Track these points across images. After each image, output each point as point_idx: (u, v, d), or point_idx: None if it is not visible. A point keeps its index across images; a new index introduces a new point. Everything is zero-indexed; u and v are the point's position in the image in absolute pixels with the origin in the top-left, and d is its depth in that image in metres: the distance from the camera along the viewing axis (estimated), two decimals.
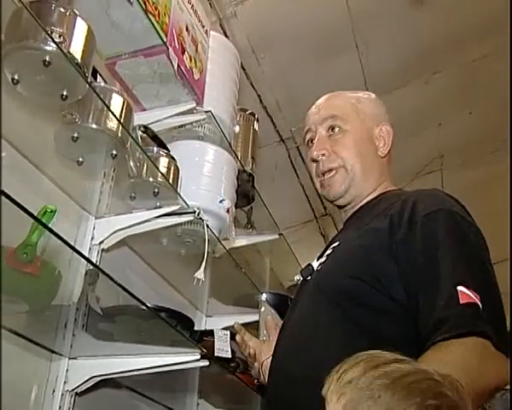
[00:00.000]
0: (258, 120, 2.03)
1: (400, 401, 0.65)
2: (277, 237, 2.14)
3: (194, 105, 1.60)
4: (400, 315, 0.95)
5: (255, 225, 2.34)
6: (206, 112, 1.62)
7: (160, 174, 1.45)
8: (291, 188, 3.30)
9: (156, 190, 1.46)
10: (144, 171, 1.46)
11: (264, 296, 1.88)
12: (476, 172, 3.45)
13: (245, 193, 1.93)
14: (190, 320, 1.51)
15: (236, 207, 1.88)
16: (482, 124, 3.21)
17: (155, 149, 1.50)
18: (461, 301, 0.87)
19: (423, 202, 1.06)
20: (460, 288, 0.89)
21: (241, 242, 1.98)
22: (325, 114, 1.26)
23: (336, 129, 1.24)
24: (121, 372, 1.39)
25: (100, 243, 1.53)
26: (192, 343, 1.31)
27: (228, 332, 1.59)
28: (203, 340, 1.52)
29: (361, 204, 1.25)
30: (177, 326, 1.27)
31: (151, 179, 1.45)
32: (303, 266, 1.24)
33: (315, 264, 1.20)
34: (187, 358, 1.33)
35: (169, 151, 1.55)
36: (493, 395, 0.87)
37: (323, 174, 1.24)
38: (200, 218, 1.50)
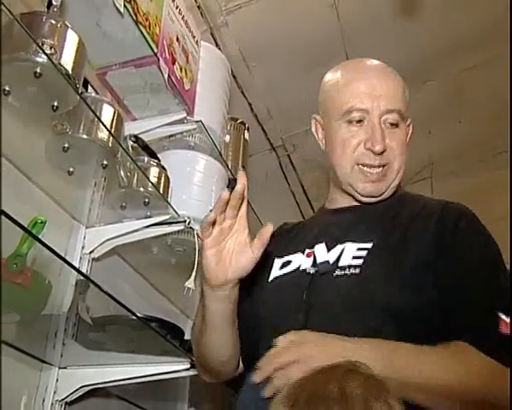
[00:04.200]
0: (248, 129, 2.04)
1: None
2: None
3: (185, 115, 1.61)
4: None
5: None
6: (197, 122, 1.63)
7: (150, 184, 1.46)
8: (282, 196, 3.31)
9: (146, 200, 1.47)
10: (135, 180, 1.47)
11: None
12: (466, 180, 3.48)
13: None
14: (180, 330, 1.51)
15: None
16: (472, 133, 3.24)
17: (146, 158, 1.51)
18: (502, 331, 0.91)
19: (466, 212, 1.09)
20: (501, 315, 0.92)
21: None
22: (391, 107, 1.10)
23: (396, 126, 1.12)
24: (111, 382, 1.40)
25: (90, 253, 1.53)
26: (182, 352, 1.31)
27: None
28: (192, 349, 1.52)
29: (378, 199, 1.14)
30: (167, 336, 1.27)
31: (141, 189, 1.46)
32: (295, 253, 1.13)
33: (320, 251, 1.09)
34: (177, 367, 1.33)
35: (159, 161, 1.56)
36: None
37: (372, 167, 1.10)
38: (191, 227, 1.51)
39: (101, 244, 1.53)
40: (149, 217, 1.51)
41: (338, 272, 1.03)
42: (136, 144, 1.53)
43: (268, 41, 2.51)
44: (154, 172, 1.49)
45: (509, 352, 0.87)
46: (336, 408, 0.67)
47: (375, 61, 1.18)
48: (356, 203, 1.15)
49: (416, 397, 0.85)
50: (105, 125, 1.27)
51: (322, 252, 1.08)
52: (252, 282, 1.10)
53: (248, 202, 2.15)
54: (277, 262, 1.14)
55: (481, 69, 2.90)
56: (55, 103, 1.14)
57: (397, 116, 1.10)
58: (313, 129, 1.24)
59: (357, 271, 1.01)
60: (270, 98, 2.83)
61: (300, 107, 3.02)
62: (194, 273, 1.49)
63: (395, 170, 1.12)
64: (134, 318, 1.22)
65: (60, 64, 1.07)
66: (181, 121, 1.63)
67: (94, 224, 1.56)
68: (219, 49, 2.02)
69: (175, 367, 1.33)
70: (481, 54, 2.82)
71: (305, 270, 1.07)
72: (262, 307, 1.11)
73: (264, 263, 1.08)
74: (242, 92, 2.68)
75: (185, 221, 1.51)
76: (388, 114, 1.10)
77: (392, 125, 1.10)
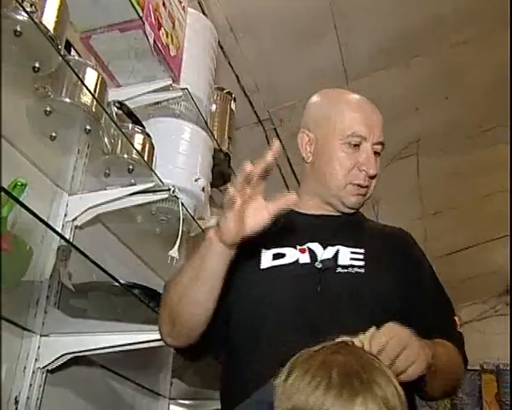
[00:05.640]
0: (235, 100, 2.02)
1: None
2: None
3: (171, 82, 1.59)
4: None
5: None
6: (183, 89, 1.61)
7: (134, 151, 1.43)
8: None
9: (131, 167, 1.45)
10: (119, 147, 1.44)
11: None
12: (452, 157, 3.49)
13: (221, 172, 1.93)
14: None
15: (212, 186, 1.87)
16: (460, 110, 3.24)
17: (130, 125, 1.48)
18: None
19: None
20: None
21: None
22: (381, 140, 1.29)
23: (378, 155, 1.31)
24: (93, 350, 1.39)
25: (73, 220, 1.51)
26: None
27: None
28: None
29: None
30: (150, 303, 1.26)
31: (126, 156, 1.44)
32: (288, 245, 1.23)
33: (317, 249, 1.23)
34: (159, 335, 1.32)
35: (144, 128, 1.53)
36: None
37: (361, 186, 1.28)
38: (175, 196, 1.49)
39: (84, 212, 1.51)
40: (133, 185, 1.49)
41: (340, 270, 1.20)
42: (120, 111, 1.50)
43: (256, 12, 2.47)
44: (138, 140, 1.47)
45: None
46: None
47: (366, 99, 1.35)
48: (330, 213, 1.32)
49: (436, 371, 1.08)
50: (88, 89, 1.24)
51: (318, 250, 1.22)
52: (238, 269, 1.18)
53: (234, 173, 2.14)
54: (266, 253, 1.24)
55: (471, 46, 2.89)
56: (37, 65, 1.12)
57: (381, 148, 1.30)
58: (300, 141, 1.36)
59: (362, 270, 1.20)
60: (257, 70, 2.80)
61: (288, 80, 3.00)
62: (178, 242, 1.48)
63: (370, 191, 1.31)
64: (116, 284, 1.20)
65: (41, 23, 1.04)
66: (166, 89, 1.61)
67: (77, 191, 1.54)
68: (207, 17, 1.99)
69: (158, 336, 1.31)
70: (471, 31, 2.81)
71: (308, 263, 1.20)
72: (264, 292, 1.20)
73: (250, 252, 1.19)
74: (229, 63, 2.65)
75: (169, 189, 1.49)
76: (378, 145, 1.28)
77: (376, 153, 1.28)
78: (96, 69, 1.34)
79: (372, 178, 1.27)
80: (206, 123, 1.70)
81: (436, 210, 3.85)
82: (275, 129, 3.08)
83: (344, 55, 2.78)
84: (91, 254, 1.29)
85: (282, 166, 3.29)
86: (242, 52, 2.63)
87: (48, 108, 1.24)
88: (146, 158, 1.47)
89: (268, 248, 1.24)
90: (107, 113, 1.31)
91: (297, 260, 1.21)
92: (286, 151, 3.26)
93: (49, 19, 1.07)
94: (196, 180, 1.59)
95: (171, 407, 2.12)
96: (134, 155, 1.44)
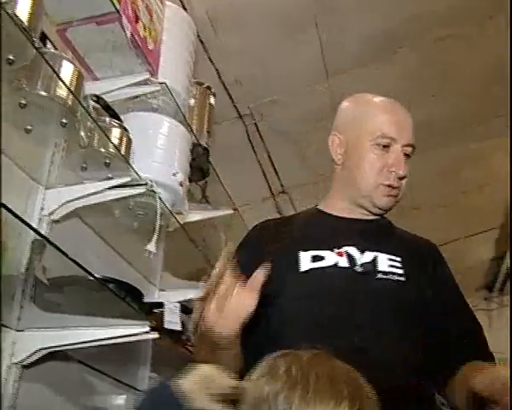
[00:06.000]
0: (214, 94, 2.02)
1: None
2: (232, 212, 2.15)
3: (148, 76, 1.58)
4: None
5: (211, 201, 2.34)
6: (161, 83, 1.60)
7: (111, 145, 1.43)
8: (249, 165, 3.30)
9: (107, 161, 1.44)
10: (96, 141, 1.43)
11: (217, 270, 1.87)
12: (433, 153, 3.52)
13: (200, 167, 1.93)
14: (139, 292, 1.50)
15: (191, 181, 1.87)
16: (445, 107, 3.26)
17: (107, 119, 1.47)
18: None
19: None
20: None
21: (196, 216, 1.97)
22: (411, 141, 1.30)
23: (408, 157, 1.32)
24: (69, 345, 1.38)
25: (50, 214, 1.50)
26: (141, 315, 1.30)
27: (178, 304, 1.58)
28: (153, 312, 1.52)
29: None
30: (125, 298, 1.26)
31: (102, 150, 1.43)
32: (332, 250, 1.25)
33: (354, 254, 1.25)
34: (136, 330, 1.32)
35: (122, 122, 1.53)
36: None
37: (392, 187, 1.29)
38: (153, 190, 1.49)
39: (60, 206, 1.49)
40: (110, 179, 1.48)
41: (380, 276, 1.23)
42: (97, 105, 1.49)
43: (238, 5, 2.47)
44: (115, 133, 1.46)
45: None
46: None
47: (397, 102, 1.37)
48: (363, 217, 1.33)
49: None
50: (64, 82, 1.23)
51: (356, 254, 1.24)
52: (276, 270, 1.16)
53: (214, 170, 2.13)
54: (304, 255, 1.24)
55: (454, 43, 2.91)
56: (11, 57, 1.10)
57: (411, 150, 1.31)
58: (331, 144, 1.38)
59: (403, 279, 1.23)
60: (238, 65, 2.79)
61: (269, 75, 3.00)
62: (155, 237, 1.48)
63: (400, 194, 1.31)
64: (92, 278, 1.20)
65: (15, 14, 1.03)
66: (144, 83, 1.60)
67: (54, 185, 1.52)
68: (186, 11, 1.98)
69: (134, 330, 1.31)
70: (455, 26, 2.82)
71: (348, 267, 1.22)
72: (305, 295, 1.21)
73: (287, 253, 1.23)
74: (210, 58, 2.64)
75: (147, 184, 1.49)
76: (408, 147, 1.29)
77: (406, 155, 1.29)
78: (72, 62, 1.33)
79: (401, 179, 1.28)
80: (184, 117, 1.70)
81: (414, 206, 3.89)
82: (255, 124, 3.08)
83: (325, 51, 2.79)
84: (69, 248, 1.28)
85: (262, 163, 3.29)
86: (223, 46, 2.62)
87: (23, 101, 1.23)
88: (123, 152, 1.46)
89: (305, 250, 1.24)
90: (83, 106, 1.31)
91: (336, 264, 1.22)
92: (266, 147, 3.27)
93: (23, 10, 1.06)
94: (174, 175, 1.59)
95: None
96: (111, 149, 1.43)
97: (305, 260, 1.23)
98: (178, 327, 1.54)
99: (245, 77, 2.84)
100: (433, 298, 1.27)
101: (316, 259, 1.23)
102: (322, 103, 3.07)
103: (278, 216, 3.78)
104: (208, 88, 1.97)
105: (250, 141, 3.15)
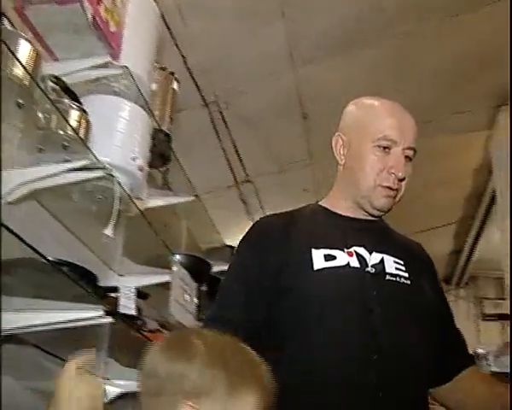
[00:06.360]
0: (177, 80, 2.01)
1: None
2: (193, 198, 2.14)
3: (110, 59, 1.57)
4: None
5: (175, 188, 2.33)
6: (122, 67, 1.59)
7: (69, 127, 1.41)
8: (213, 152, 3.30)
9: (65, 144, 1.42)
10: (53, 123, 1.41)
11: (176, 257, 1.88)
12: None
13: (161, 153, 1.92)
14: (94, 275, 1.49)
15: (152, 166, 1.86)
16: (406, 102, 3.30)
17: (66, 101, 1.45)
18: None
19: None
20: None
21: (157, 202, 1.96)
22: (412, 144, 1.33)
23: (409, 160, 1.34)
24: (22, 328, 1.36)
25: (5, 196, 1.47)
26: (95, 299, 1.29)
27: (134, 289, 1.58)
28: (108, 297, 1.51)
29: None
30: (79, 281, 1.25)
31: (60, 132, 1.41)
32: (342, 249, 1.28)
33: (364, 254, 1.28)
34: (90, 314, 1.31)
35: (81, 104, 1.51)
36: None
37: (391, 189, 1.31)
38: (111, 174, 1.48)
39: (16, 188, 1.47)
40: (68, 162, 1.47)
41: (389, 277, 1.27)
42: (56, 86, 1.47)
43: None
44: (74, 116, 1.45)
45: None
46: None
47: (400, 105, 1.41)
48: (366, 217, 1.36)
49: None
50: (20, 61, 1.21)
51: (366, 255, 1.28)
52: (290, 265, 1.24)
53: (175, 156, 2.12)
54: (317, 253, 1.26)
55: (415, 37, 2.95)
56: None
57: (412, 153, 1.33)
58: (334, 144, 1.41)
59: (408, 282, 1.28)
60: (204, 52, 2.79)
61: (236, 63, 3.00)
62: (112, 221, 1.47)
63: (399, 196, 1.34)
64: (45, 261, 1.18)
65: None
66: (105, 65, 1.58)
67: (9, 166, 1.50)
68: None
69: (87, 314, 1.30)
70: (418, 21, 2.86)
71: (359, 268, 1.25)
72: (320, 294, 1.23)
73: (300, 249, 1.26)
74: (176, 45, 2.62)
75: (105, 167, 1.48)
76: (409, 150, 1.32)
77: (407, 158, 1.32)
78: (30, 41, 1.31)
79: (401, 181, 1.31)
80: (146, 102, 1.69)
81: None
82: (221, 112, 3.08)
83: (291, 41, 2.80)
84: (25, 230, 1.26)
85: (227, 150, 3.29)
86: (190, 33, 2.61)
87: None
88: (82, 135, 1.45)
89: (317, 248, 1.27)
90: (39, 87, 1.29)
91: (348, 264, 1.25)
92: (231, 135, 3.27)
93: None
94: (134, 159, 1.58)
95: (106, 387, 2.10)
96: (69, 132, 1.41)
97: (319, 259, 1.25)
98: (133, 312, 1.54)
99: (211, 64, 2.83)
100: (433, 303, 1.34)
101: (328, 258, 1.26)
102: (288, 93, 3.09)
103: (242, 205, 3.80)
104: (171, 74, 1.96)
105: (215, 128, 3.16)
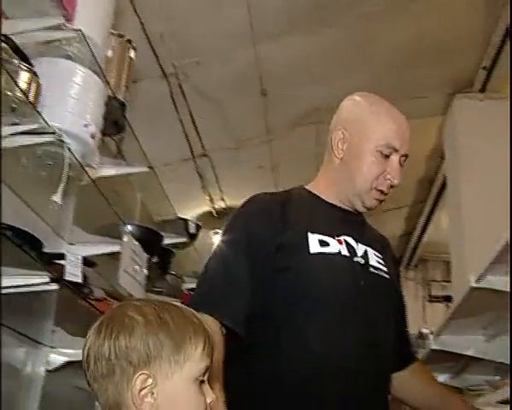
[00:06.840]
0: (135, 48, 1.97)
1: None
2: (147, 169, 2.12)
3: (63, 21, 1.52)
4: None
5: (130, 158, 2.30)
6: (76, 30, 1.55)
7: (18, 89, 1.37)
8: (171, 125, 3.27)
9: (14, 106, 1.38)
10: (2, 84, 1.37)
11: (128, 228, 1.87)
12: None
13: (115, 121, 1.89)
14: (38, 241, 1.46)
15: (105, 134, 1.83)
16: (364, 82, 3.34)
17: (16, 61, 1.41)
18: None
19: None
20: None
21: (109, 171, 1.94)
22: (407, 152, 1.37)
23: (401, 166, 1.37)
24: None
25: None
26: (39, 265, 1.27)
27: (80, 256, 1.56)
28: (54, 263, 1.49)
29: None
30: (22, 246, 1.23)
31: (9, 93, 1.37)
32: (333, 236, 1.31)
33: (353, 244, 1.32)
34: (35, 280, 1.30)
35: (32, 66, 1.46)
36: None
37: (383, 193, 1.36)
38: (61, 140, 1.45)
39: None
40: (17, 125, 1.43)
41: (372, 269, 1.32)
42: (6, 45, 1.42)
43: None
44: (23, 77, 1.40)
45: None
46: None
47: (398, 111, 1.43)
48: (352, 209, 1.39)
49: None
50: None
51: (354, 244, 1.33)
52: (287, 245, 1.26)
53: (129, 125, 2.09)
54: (313, 237, 1.28)
55: (378, 18, 2.97)
56: None
57: (405, 159, 1.38)
58: (334, 137, 1.40)
59: (387, 276, 1.35)
60: (164, 21, 2.75)
61: (196, 35, 2.96)
62: (61, 187, 1.45)
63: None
64: None
65: None
66: (58, 27, 1.54)
67: None
68: None
69: (32, 281, 1.28)
70: (378, 2, 2.88)
71: (348, 256, 1.29)
72: (315, 278, 1.25)
73: (297, 231, 1.28)
74: (135, 9, 2.57)
75: (54, 132, 1.44)
76: (404, 157, 1.37)
77: (400, 164, 1.36)
78: None
79: (393, 187, 1.36)
80: (100, 68, 1.65)
81: None
82: (179, 84, 3.05)
83: (252, 17, 2.78)
84: None
85: (184, 122, 3.26)
86: (149, 0, 2.56)
87: None
88: (31, 98, 1.41)
89: (313, 232, 1.29)
90: None
91: (339, 252, 1.29)
92: (189, 107, 3.24)
93: None
94: (86, 126, 1.55)
95: (52, 355, 2.08)
96: (18, 94, 1.37)
97: (314, 243, 1.27)
98: (80, 279, 1.53)
99: (171, 34, 2.79)
100: (400, 300, 1.44)
101: (322, 243, 1.28)
102: (247, 68, 3.08)
103: (198, 179, 3.79)
104: (129, 41, 1.92)
105: (173, 100, 3.12)
